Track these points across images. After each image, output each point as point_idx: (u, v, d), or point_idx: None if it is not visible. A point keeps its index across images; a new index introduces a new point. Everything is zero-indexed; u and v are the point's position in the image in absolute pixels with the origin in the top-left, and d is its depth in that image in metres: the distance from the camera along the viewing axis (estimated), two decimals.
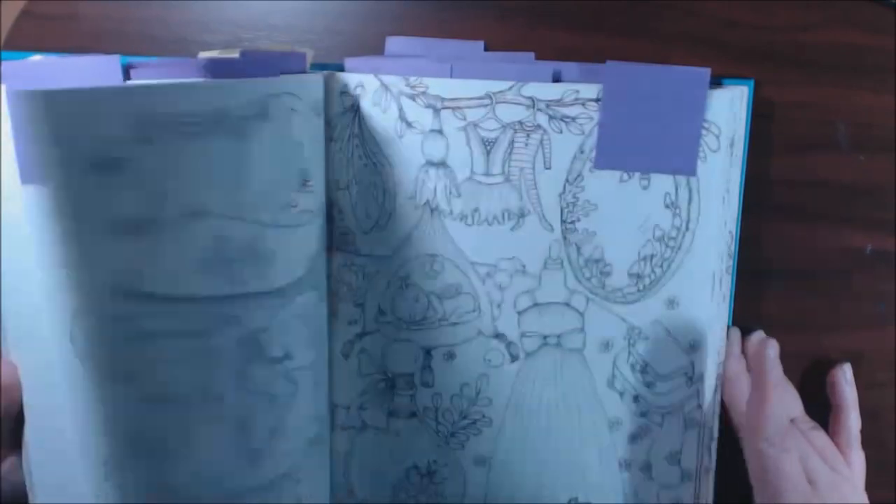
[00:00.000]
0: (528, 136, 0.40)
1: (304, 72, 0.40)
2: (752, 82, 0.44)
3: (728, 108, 0.40)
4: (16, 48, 0.43)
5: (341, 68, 0.42)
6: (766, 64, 0.45)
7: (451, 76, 0.42)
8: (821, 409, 0.45)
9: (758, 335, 0.45)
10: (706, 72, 0.39)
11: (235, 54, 0.36)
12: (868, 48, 0.45)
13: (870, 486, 0.43)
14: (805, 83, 0.45)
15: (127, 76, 0.35)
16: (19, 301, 0.35)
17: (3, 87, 0.33)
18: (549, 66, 0.42)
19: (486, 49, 0.44)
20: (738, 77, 0.44)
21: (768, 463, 0.41)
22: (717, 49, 0.45)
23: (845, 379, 0.45)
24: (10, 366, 0.36)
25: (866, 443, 0.44)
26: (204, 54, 0.36)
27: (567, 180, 0.41)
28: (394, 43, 0.44)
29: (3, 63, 0.34)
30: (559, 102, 0.40)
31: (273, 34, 0.45)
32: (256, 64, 0.36)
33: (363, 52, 0.44)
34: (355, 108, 0.41)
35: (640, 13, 0.45)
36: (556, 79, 0.41)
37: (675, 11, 0.45)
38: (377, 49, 0.44)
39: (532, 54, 0.43)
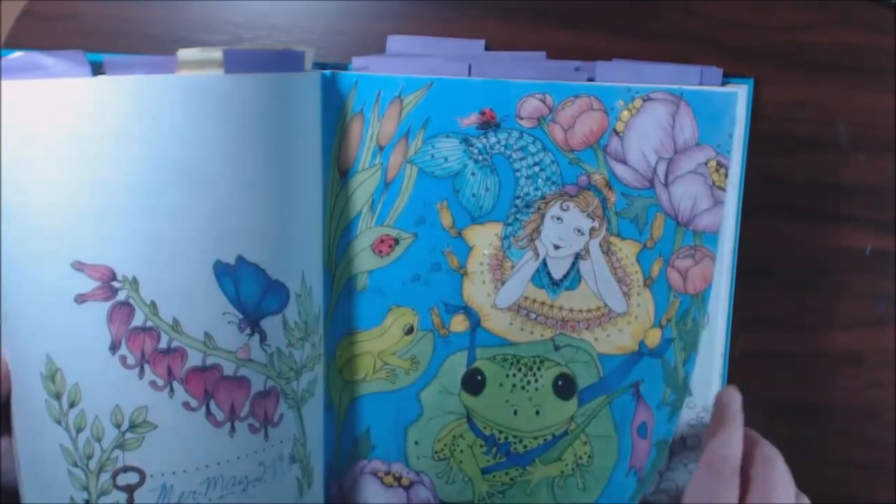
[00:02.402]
0: None
1: (302, 69, 0.39)
2: (751, 82, 0.44)
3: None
4: (16, 48, 0.43)
5: (343, 67, 0.43)
6: (766, 64, 0.45)
7: (469, 76, 0.42)
8: (821, 408, 0.45)
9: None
10: (718, 71, 0.42)
11: (216, 52, 0.36)
12: (868, 48, 0.45)
13: (870, 486, 0.43)
14: (805, 83, 0.45)
15: (100, 72, 0.35)
16: (15, 297, 0.35)
17: (3, 86, 0.33)
18: (570, 65, 0.43)
19: (486, 48, 0.44)
20: (738, 77, 0.44)
21: None
22: (717, 49, 0.45)
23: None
24: None
25: (867, 442, 0.44)
26: (183, 52, 0.35)
27: None
28: (395, 42, 0.44)
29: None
30: None
31: (273, 34, 0.45)
32: (241, 61, 0.36)
33: (364, 52, 0.44)
34: None
35: (640, 13, 0.45)
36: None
37: (675, 11, 0.45)
38: (378, 48, 0.44)
39: (543, 53, 0.44)
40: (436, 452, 0.45)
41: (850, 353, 0.46)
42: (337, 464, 0.45)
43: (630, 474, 0.45)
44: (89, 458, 0.36)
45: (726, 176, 0.43)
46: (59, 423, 0.35)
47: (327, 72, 0.42)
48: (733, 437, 0.38)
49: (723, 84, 0.43)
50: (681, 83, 0.43)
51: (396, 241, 0.43)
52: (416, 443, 0.45)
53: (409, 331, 0.44)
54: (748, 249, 0.45)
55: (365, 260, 0.43)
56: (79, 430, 0.36)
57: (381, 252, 0.43)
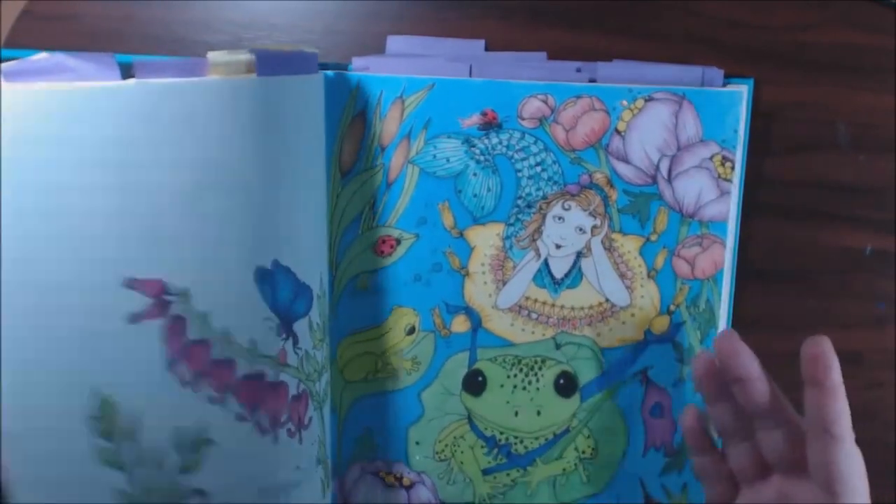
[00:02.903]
0: None
1: (315, 71, 0.40)
2: (751, 82, 0.44)
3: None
4: (16, 48, 0.43)
5: (343, 67, 0.43)
6: (766, 64, 0.45)
7: (470, 76, 0.43)
8: None
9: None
10: (720, 72, 0.43)
11: (245, 55, 0.36)
12: (868, 48, 0.45)
13: (870, 486, 0.43)
14: (805, 83, 0.45)
15: (128, 75, 0.35)
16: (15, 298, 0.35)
17: (3, 86, 0.33)
18: (571, 66, 0.43)
19: (486, 48, 0.44)
20: (738, 77, 0.44)
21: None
22: (717, 49, 0.45)
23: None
24: None
25: (867, 442, 0.44)
26: (213, 54, 0.35)
27: None
28: (394, 42, 0.44)
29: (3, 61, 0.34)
30: None
31: (274, 34, 0.45)
32: (270, 63, 0.36)
33: (364, 52, 0.44)
34: None
35: (640, 13, 0.45)
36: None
37: (675, 11, 0.45)
38: (378, 48, 0.44)
39: (544, 54, 0.44)
40: (437, 453, 0.45)
41: (850, 353, 0.47)
42: (339, 463, 0.45)
43: (650, 452, 0.45)
44: (149, 491, 0.35)
45: (733, 168, 0.43)
46: (111, 465, 0.35)
47: (330, 73, 0.42)
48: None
49: (723, 84, 0.43)
50: (682, 84, 0.43)
51: (398, 242, 0.43)
52: (417, 443, 0.45)
53: (411, 331, 0.44)
54: (748, 249, 0.45)
55: (366, 260, 0.43)
56: (136, 465, 0.35)
57: (382, 252, 0.43)
